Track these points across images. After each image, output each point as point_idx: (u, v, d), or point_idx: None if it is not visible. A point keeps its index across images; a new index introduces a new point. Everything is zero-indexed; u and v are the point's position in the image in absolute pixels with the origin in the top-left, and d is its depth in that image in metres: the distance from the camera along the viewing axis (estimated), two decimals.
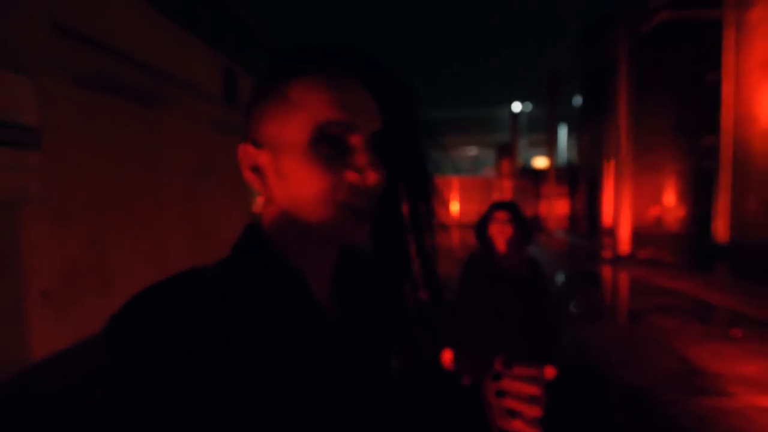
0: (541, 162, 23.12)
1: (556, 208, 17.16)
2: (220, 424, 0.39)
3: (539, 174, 20.29)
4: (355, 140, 0.46)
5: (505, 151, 20.01)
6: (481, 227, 1.94)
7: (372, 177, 0.45)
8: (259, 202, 0.51)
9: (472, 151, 35.79)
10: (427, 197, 0.55)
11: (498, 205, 1.91)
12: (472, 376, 1.84)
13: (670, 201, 12.79)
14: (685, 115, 12.34)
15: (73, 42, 3.74)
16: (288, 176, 0.46)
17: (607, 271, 8.48)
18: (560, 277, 7.88)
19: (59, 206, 3.63)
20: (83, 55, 3.92)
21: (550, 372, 1.76)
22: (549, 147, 16.19)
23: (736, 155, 8.35)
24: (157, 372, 0.37)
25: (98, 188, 4.15)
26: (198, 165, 6.06)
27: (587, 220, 16.10)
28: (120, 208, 4.45)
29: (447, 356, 1.95)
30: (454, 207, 20.14)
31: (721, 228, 9.65)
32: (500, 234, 1.85)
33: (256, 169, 0.48)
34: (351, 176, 0.46)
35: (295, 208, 0.47)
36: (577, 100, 18.11)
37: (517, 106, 20.33)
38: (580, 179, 17.30)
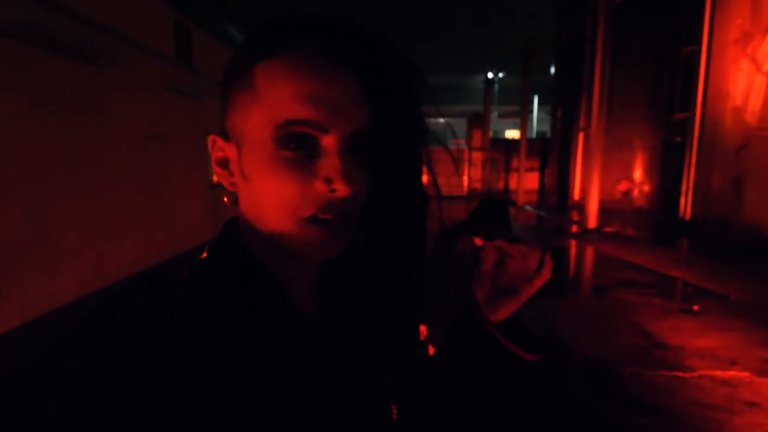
0: (513, 134, 23.12)
1: (527, 181, 17.25)
2: None
3: (510, 145, 20.29)
4: (327, 142, 0.39)
5: (477, 121, 19.78)
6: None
7: (343, 189, 0.39)
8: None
9: (440, 120, 35.53)
10: (419, 209, 0.49)
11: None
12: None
13: (637, 176, 13.05)
14: (658, 90, 12.43)
15: None
16: (251, 179, 0.41)
17: (573, 246, 8.60)
18: None
19: None
20: (11, 3, 3.52)
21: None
22: (522, 118, 16.06)
23: (705, 132, 8.43)
24: (117, 383, 0.34)
25: (38, 157, 3.84)
26: (150, 131, 5.65)
27: (556, 194, 16.32)
28: (63, 180, 4.18)
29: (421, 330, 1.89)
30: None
31: (685, 204, 9.90)
32: None
33: (225, 164, 0.44)
34: (318, 186, 0.39)
35: (258, 216, 0.42)
36: (551, 72, 18.00)
37: (490, 74, 20.00)
38: (551, 152, 17.40)
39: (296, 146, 0.39)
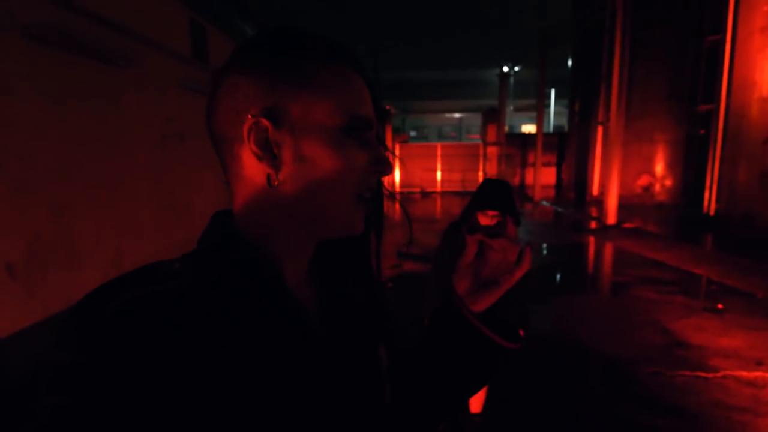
0: (529, 128, 22.77)
1: (543, 176, 17.01)
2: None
3: (527, 140, 20.02)
4: (371, 134, 0.49)
5: (492, 115, 19.56)
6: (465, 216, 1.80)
7: (390, 169, 0.49)
8: (236, 181, 0.51)
9: (456, 115, 35.28)
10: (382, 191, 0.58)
11: (486, 204, 1.71)
12: None
13: (659, 170, 12.75)
14: (681, 81, 12.10)
15: None
16: (310, 161, 0.45)
17: (592, 242, 8.45)
18: (545, 248, 7.82)
19: (19, 175, 3.49)
20: (32, 5, 3.59)
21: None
22: (538, 112, 15.82)
23: (730, 123, 8.17)
24: (108, 375, 0.35)
25: (61, 155, 3.95)
26: (167, 130, 5.75)
27: (574, 189, 16.06)
28: (85, 177, 4.28)
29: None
30: (437, 175, 19.90)
31: (709, 199, 9.63)
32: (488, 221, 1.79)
33: (266, 145, 0.45)
34: (371, 169, 0.48)
35: (307, 195, 0.46)
36: (568, 64, 17.67)
37: (506, 68, 19.74)
38: (569, 146, 17.11)
39: (355, 135, 0.47)
